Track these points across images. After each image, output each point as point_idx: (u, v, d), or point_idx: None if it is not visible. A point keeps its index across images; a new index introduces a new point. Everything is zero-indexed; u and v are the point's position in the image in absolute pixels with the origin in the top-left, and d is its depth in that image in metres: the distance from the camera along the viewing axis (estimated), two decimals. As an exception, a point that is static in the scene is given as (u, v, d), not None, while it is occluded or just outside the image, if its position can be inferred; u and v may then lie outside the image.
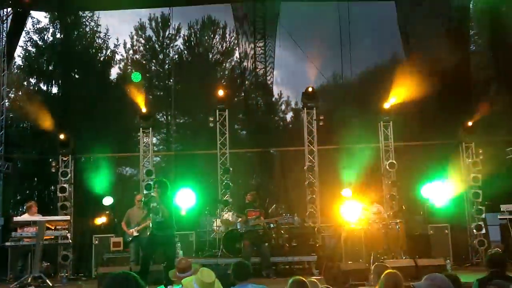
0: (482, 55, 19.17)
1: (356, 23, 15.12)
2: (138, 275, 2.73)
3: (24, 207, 13.01)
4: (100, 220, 13.33)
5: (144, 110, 13.52)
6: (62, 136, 13.54)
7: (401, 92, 13.22)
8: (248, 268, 5.58)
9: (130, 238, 11.38)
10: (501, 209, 10.92)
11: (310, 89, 13.90)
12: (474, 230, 12.72)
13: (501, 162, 14.08)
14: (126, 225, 11.47)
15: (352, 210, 11.73)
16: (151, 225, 9.35)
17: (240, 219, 11.31)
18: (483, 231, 12.71)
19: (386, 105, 13.58)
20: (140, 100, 13.24)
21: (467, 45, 15.50)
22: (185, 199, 13.13)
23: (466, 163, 13.32)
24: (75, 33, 18.70)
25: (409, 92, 14.57)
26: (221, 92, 14.06)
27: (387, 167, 13.27)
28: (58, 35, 19.36)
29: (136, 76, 13.61)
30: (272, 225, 11.83)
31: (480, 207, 12.85)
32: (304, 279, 4.80)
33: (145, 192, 12.95)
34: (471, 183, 12.99)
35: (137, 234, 11.32)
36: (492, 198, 13.11)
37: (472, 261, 12.56)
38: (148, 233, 10.61)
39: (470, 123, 13.31)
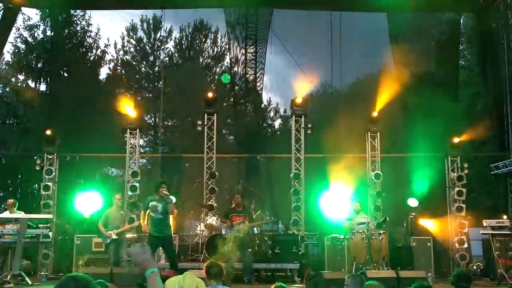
0: (471, 70, 19.41)
1: (347, 32, 15.19)
2: None
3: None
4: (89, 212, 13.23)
5: (132, 112, 13.52)
6: (48, 134, 13.45)
7: (389, 103, 13.30)
8: (220, 269, 5.54)
9: (109, 241, 11.26)
10: (484, 224, 10.97)
11: (299, 97, 13.95)
12: (457, 244, 12.78)
13: (485, 177, 14.22)
14: (104, 226, 11.35)
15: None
16: (150, 226, 9.62)
17: (225, 224, 11.29)
18: (466, 245, 12.78)
19: (374, 116, 13.67)
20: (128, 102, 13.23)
21: (456, 59, 15.61)
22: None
23: (451, 176, 13.40)
24: (66, 31, 18.59)
25: (397, 103, 14.70)
26: (210, 96, 14.06)
27: (373, 177, 13.32)
28: (48, 33, 19.27)
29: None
30: (256, 231, 11.81)
31: (463, 221, 12.92)
32: (286, 286, 4.79)
33: (130, 193, 12.90)
34: (455, 197, 13.07)
35: (116, 237, 11.22)
36: (476, 213, 13.23)
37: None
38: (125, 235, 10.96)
39: (456, 139, 13.46)
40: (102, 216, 11.51)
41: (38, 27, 19.94)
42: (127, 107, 13.46)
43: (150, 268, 3.13)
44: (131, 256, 3.31)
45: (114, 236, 11.18)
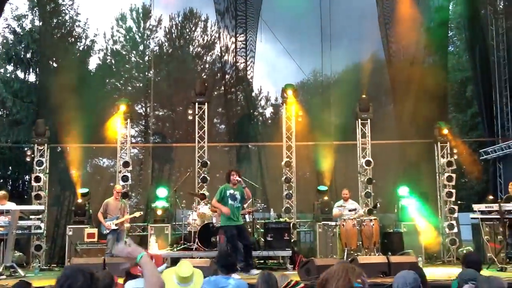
0: (460, 56, 19.49)
1: (337, 20, 15.19)
2: None
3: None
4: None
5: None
6: (38, 125, 13.39)
7: (379, 89, 13.33)
8: (234, 261, 5.62)
9: (108, 231, 11.30)
10: (473, 209, 11.10)
11: (289, 85, 13.99)
12: (447, 229, 12.92)
13: (474, 162, 14.36)
14: (103, 216, 11.38)
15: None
16: (228, 213, 9.68)
17: (215, 213, 11.33)
18: (455, 230, 12.92)
19: (364, 101, 13.73)
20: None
21: (445, 45, 15.67)
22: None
23: (440, 162, 13.51)
24: (54, 21, 18.43)
25: (387, 89, 14.75)
26: (200, 85, 14.06)
27: (364, 164, 13.39)
28: (36, 23, 19.12)
29: None
30: (247, 219, 11.87)
31: (453, 206, 13.06)
32: (271, 272, 4.86)
33: (121, 183, 12.89)
34: (445, 182, 13.19)
35: (116, 227, 11.27)
36: (465, 198, 13.38)
37: (443, 259, 12.79)
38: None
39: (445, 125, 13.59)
40: (102, 206, 11.54)
41: (26, 17, 19.79)
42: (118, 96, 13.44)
43: (139, 254, 3.16)
44: (118, 256, 3.36)
45: (113, 227, 11.22)
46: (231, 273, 5.48)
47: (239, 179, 9.72)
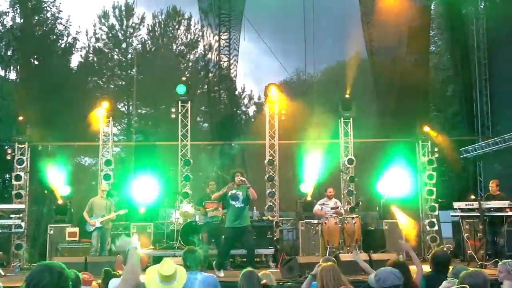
0: (441, 55, 19.67)
1: (320, 19, 15.27)
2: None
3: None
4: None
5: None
6: (18, 123, 13.25)
7: (361, 88, 13.40)
8: (198, 256, 5.58)
9: (93, 228, 11.22)
10: (454, 207, 11.22)
11: (273, 84, 14.01)
12: (427, 227, 13.05)
13: (455, 161, 14.52)
14: (89, 214, 11.31)
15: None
16: (228, 215, 9.59)
17: (198, 211, 11.32)
18: (436, 227, 13.06)
19: (347, 100, 13.80)
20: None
21: (427, 45, 15.82)
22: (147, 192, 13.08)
23: (421, 160, 13.62)
24: (36, 18, 18.25)
25: (369, 88, 14.84)
26: (184, 84, 14.03)
27: (346, 163, 13.47)
28: (18, 20, 18.89)
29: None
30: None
31: (434, 204, 13.19)
32: (254, 270, 4.87)
33: (103, 182, 12.81)
34: (426, 181, 13.31)
35: (100, 225, 11.20)
36: (446, 196, 13.51)
37: (424, 256, 12.89)
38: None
39: (427, 123, 13.71)
40: (87, 205, 11.47)
41: (7, 14, 19.53)
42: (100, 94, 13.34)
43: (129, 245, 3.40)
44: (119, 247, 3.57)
45: (98, 224, 11.15)
46: (197, 269, 5.43)
47: (243, 178, 9.58)
